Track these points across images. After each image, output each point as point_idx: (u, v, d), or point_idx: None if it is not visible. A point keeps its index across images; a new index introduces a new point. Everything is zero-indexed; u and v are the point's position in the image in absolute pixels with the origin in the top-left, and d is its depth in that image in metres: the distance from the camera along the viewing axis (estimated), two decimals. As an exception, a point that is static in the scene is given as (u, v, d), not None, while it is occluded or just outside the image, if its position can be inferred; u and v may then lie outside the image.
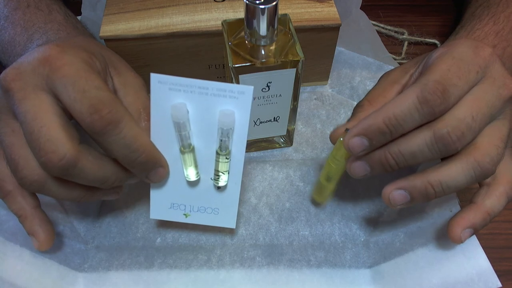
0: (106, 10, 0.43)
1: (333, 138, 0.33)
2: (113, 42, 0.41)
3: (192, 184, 0.33)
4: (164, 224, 0.38)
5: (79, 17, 0.44)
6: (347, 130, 0.30)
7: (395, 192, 0.30)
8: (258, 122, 0.40)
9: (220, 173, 0.31)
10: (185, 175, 0.32)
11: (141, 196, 0.40)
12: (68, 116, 0.28)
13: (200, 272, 0.35)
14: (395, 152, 0.29)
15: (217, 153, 0.31)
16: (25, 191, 0.31)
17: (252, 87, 0.28)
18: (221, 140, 0.30)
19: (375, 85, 0.35)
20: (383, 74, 0.35)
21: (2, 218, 0.35)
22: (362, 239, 0.37)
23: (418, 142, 0.28)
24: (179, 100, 0.29)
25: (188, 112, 0.29)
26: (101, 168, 0.29)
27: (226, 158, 0.31)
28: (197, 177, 0.32)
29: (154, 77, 0.28)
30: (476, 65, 0.29)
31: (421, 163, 0.29)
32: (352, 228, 0.38)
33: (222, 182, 0.32)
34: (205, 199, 0.34)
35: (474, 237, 0.33)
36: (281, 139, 0.43)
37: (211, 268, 0.36)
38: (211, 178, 0.32)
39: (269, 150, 0.44)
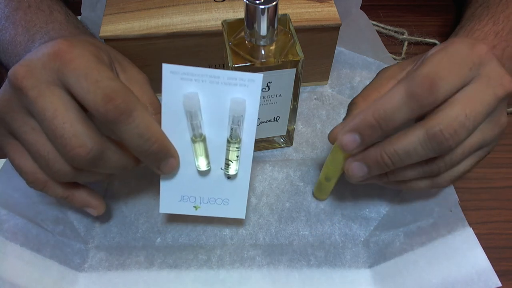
0: (106, 10, 0.43)
1: (330, 138, 0.33)
2: (113, 42, 0.41)
3: (202, 174, 0.33)
4: (164, 224, 0.38)
5: (78, 17, 0.44)
6: None
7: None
8: (258, 122, 0.40)
9: (230, 162, 0.32)
10: (196, 165, 0.32)
11: (141, 196, 0.40)
12: (83, 109, 0.28)
13: (200, 272, 0.35)
14: (390, 151, 0.29)
15: (228, 142, 0.31)
16: None
17: (262, 75, 0.29)
18: (232, 129, 0.30)
19: (371, 81, 0.35)
20: (380, 71, 0.35)
21: (2, 218, 0.35)
22: (362, 239, 0.37)
23: (411, 140, 0.28)
24: (191, 89, 0.29)
25: (199, 101, 0.30)
26: (123, 156, 0.30)
27: (237, 147, 0.31)
28: (207, 167, 0.32)
29: (166, 68, 0.29)
30: (470, 61, 0.28)
31: (417, 161, 0.29)
32: (352, 228, 0.38)
33: (232, 170, 0.32)
34: (215, 190, 0.34)
35: (474, 237, 0.34)
36: (281, 139, 0.43)
37: (211, 268, 0.36)
38: (221, 168, 0.33)
39: (269, 150, 0.44)
